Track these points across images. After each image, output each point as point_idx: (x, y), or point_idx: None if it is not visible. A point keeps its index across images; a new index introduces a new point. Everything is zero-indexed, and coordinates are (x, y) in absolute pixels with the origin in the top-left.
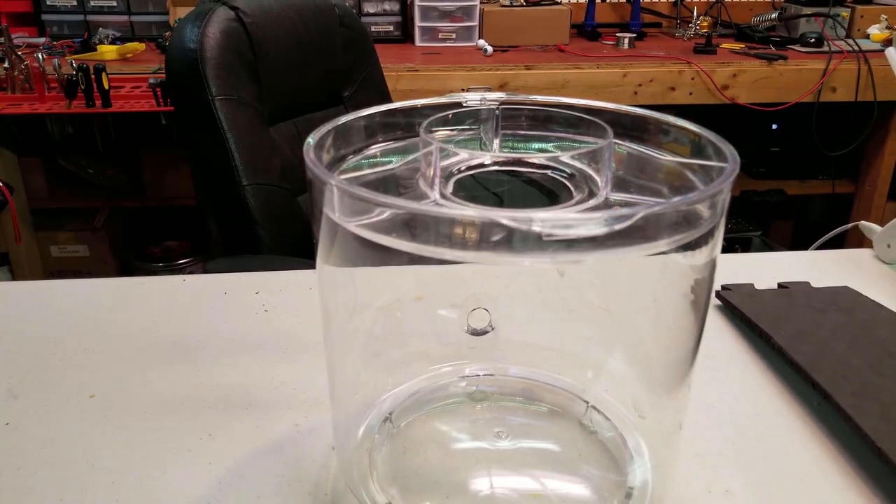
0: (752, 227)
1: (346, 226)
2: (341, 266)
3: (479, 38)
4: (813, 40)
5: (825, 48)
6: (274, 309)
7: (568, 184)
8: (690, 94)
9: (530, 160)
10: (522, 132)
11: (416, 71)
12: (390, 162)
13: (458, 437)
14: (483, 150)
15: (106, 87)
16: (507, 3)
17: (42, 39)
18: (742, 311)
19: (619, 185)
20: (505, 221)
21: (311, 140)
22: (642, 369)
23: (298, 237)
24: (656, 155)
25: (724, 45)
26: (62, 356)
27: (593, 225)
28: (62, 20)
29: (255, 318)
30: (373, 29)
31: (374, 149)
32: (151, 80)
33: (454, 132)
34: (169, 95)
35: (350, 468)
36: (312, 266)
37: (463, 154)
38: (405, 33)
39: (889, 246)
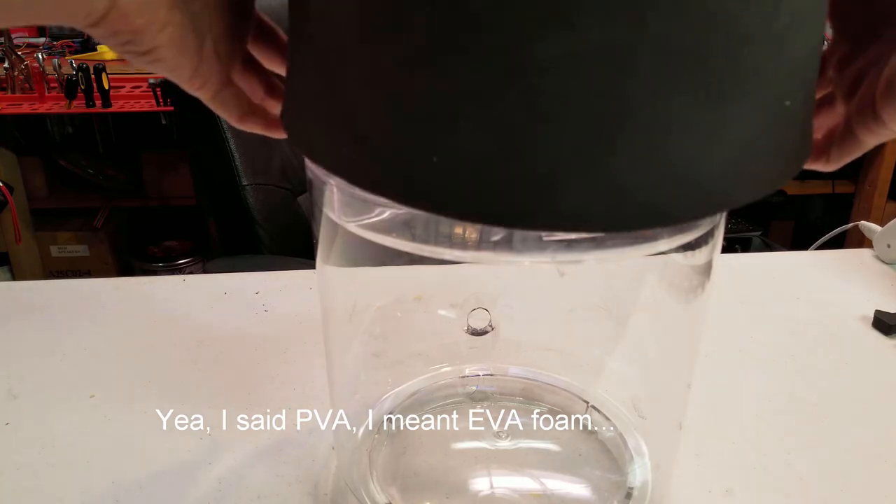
0: (752, 227)
1: (346, 226)
2: (341, 266)
3: None
4: None
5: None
6: (274, 309)
7: None
8: None
9: None
10: None
11: None
12: None
13: (457, 437)
14: None
15: (106, 87)
16: None
17: (42, 39)
18: None
19: None
20: None
21: None
22: (642, 369)
23: (298, 237)
24: None
25: None
26: (62, 356)
27: None
28: None
29: (255, 318)
30: None
31: None
32: (151, 80)
33: None
34: (169, 95)
35: (350, 468)
36: (312, 266)
37: None
38: None
39: (889, 246)
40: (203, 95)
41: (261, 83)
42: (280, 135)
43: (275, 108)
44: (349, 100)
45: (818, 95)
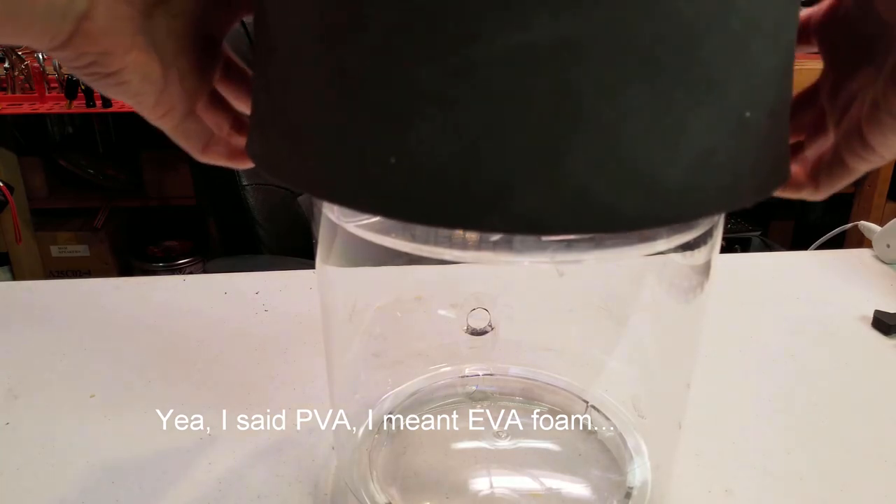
0: (751, 227)
1: (345, 226)
2: (341, 266)
3: None
4: None
5: None
6: (274, 309)
7: None
8: None
9: None
10: None
11: None
12: None
13: (457, 436)
14: None
15: None
16: None
17: None
18: None
19: None
20: None
21: None
22: (642, 369)
23: (298, 237)
24: None
25: None
26: (62, 356)
27: None
28: None
29: (254, 318)
30: None
31: None
32: None
33: None
34: None
35: (350, 468)
36: (312, 266)
37: None
38: None
39: (889, 246)
40: (165, 125)
41: (227, 118)
42: (242, 165)
43: (240, 142)
44: (310, 110)
45: (809, 123)
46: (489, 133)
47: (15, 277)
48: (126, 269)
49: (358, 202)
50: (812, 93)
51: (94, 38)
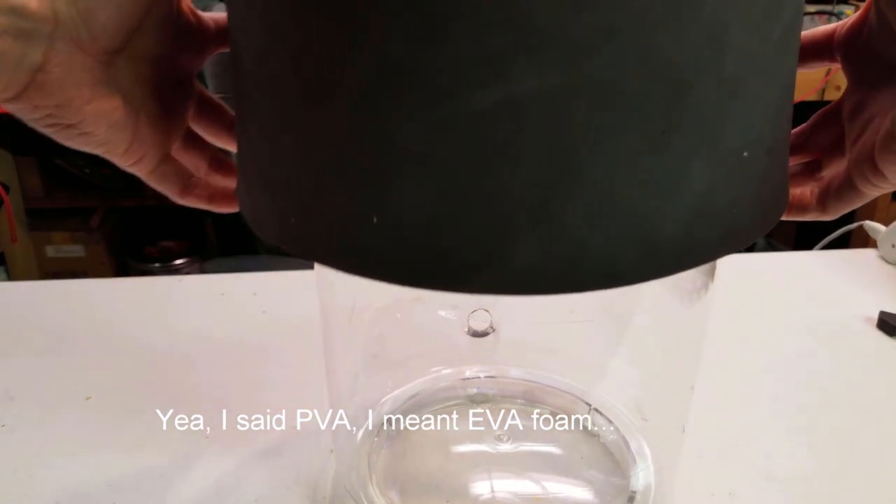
0: None
1: None
2: None
3: None
4: None
5: None
6: (272, 310)
7: None
8: None
9: None
10: None
11: None
12: None
13: (458, 439)
14: None
15: None
16: None
17: None
18: None
19: None
20: None
21: None
22: (645, 371)
23: None
24: None
25: None
26: (59, 357)
27: None
28: None
29: (252, 319)
30: None
31: None
32: None
33: None
34: None
35: (349, 471)
36: (311, 266)
37: None
38: None
39: (894, 246)
40: (139, 171)
41: (204, 157)
42: (225, 209)
43: (220, 181)
44: (289, 165)
45: (829, 143)
46: (473, 191)
47: (10, 278)
48: (122, 269)
49: (340, 262)
50: (835, 112)
51: (50, 90)
